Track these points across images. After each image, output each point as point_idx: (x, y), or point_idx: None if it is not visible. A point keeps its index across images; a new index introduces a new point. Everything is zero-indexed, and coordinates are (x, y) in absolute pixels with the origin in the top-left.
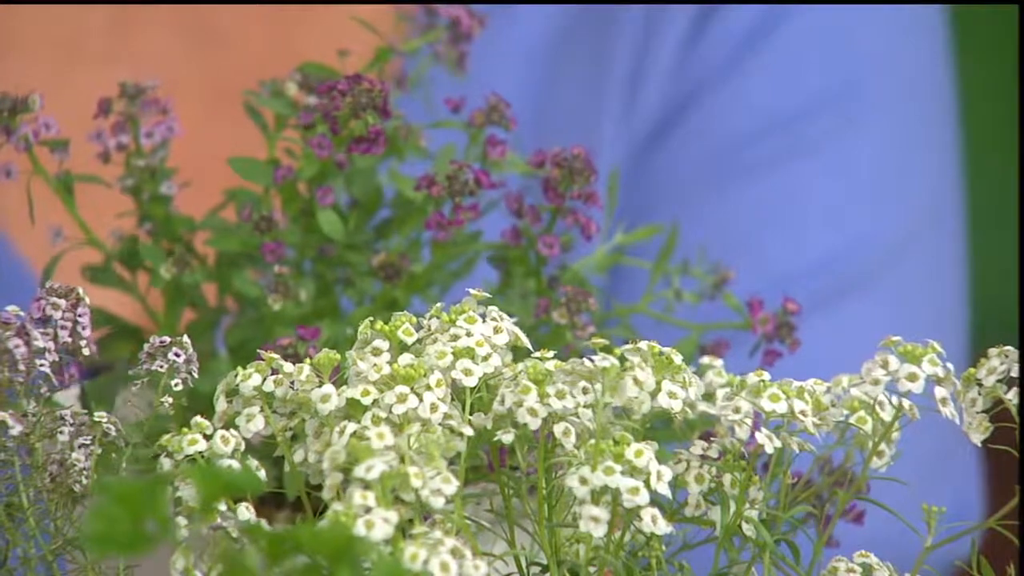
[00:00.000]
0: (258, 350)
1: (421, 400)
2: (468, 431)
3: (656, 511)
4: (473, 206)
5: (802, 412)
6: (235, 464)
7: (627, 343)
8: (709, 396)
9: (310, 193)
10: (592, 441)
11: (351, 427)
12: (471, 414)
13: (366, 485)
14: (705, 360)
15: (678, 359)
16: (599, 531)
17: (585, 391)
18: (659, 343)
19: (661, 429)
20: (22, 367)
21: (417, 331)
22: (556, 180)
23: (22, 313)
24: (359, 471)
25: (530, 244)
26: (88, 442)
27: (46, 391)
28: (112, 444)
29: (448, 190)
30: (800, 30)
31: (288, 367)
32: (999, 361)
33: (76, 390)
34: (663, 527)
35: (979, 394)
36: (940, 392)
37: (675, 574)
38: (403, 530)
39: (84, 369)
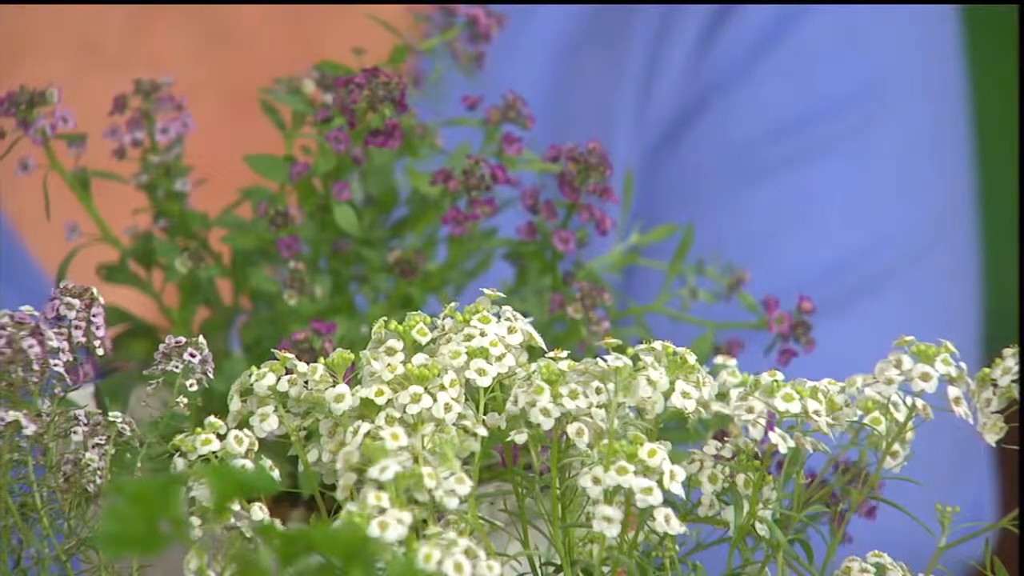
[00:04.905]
0: (273, 349)
1: (435, 400)
2: (482, 431)
3: (669, 511)
4: (489, 201)
5: (815, 412)
6: (249, 464)
7: (642, 342)
8: (723, 396)
9: (326, 189)
10: (605, 441)
11: (365, 427)
12: (485, 414)
13: (380, 486)
14: (719, 360)
15: (692, 359)
16: (612, 531)
17: (598, 391)
18: (674, 342)
19: (675, 429)
20: (36, 367)
21: (431, 331)
22: (571, 175)
23: (36, 313)
24: (373, 472)
25: (545, 240)
26: (102, 442)
27: (60, 391)
28: (126, 444)
29: (464, 184)
30: (814, 32)
31: (302, 367)
32: (1014, 361)
33: (90, 389)
34: (676, 527)
35: (994, 394)
36: (953, 391)
37: (688, 574)
38: (417, 530)
39: (98, 368)
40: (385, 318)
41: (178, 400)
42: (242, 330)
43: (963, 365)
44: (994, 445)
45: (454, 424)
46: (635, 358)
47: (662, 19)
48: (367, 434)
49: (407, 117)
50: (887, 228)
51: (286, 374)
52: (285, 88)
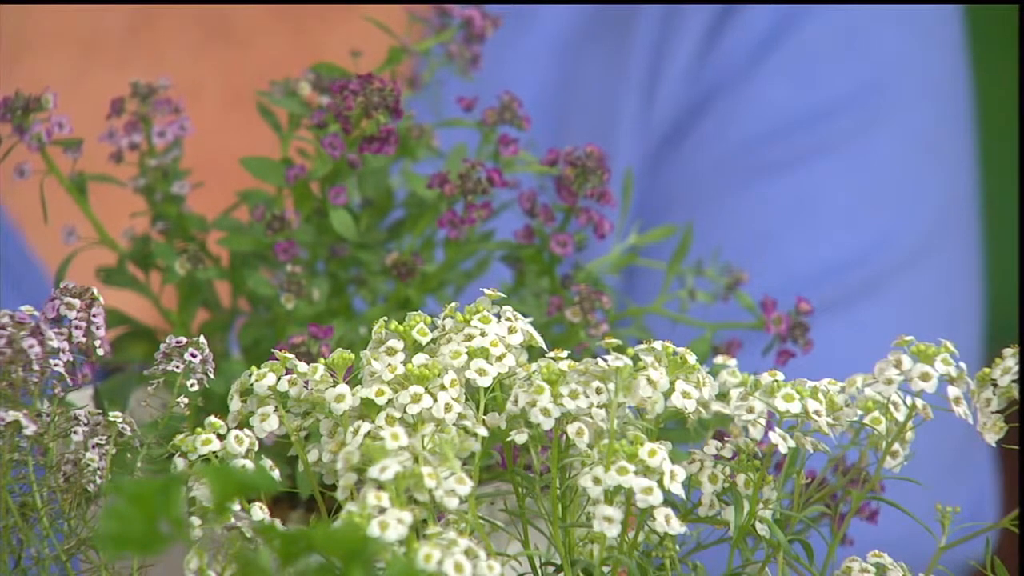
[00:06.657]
0: (272, 350)
1: (435, 400)
2: (482, 431)
3: (670, 511)
4: (486, 204)
5: (816, 412)
6: (249, 464)
7: (641, 343)
8: (723, 396)
9: (323, 193)
10: (605, 441)
11: (365, 427)
12: (485, 414)
13: (380, 486)
14: (719, 360)
15: (692, 359)
16: (613, 531)
17: (599, 391)
18: (673, 343)
19: (675, 429)
20: (36, 367)
21: (431, 331)
22: (569, 179)
23: (36, 313)
24: (373, 472)
25: (543, 243)
26: (102, 442)
27: (60, 391)
28: (126, 444)
29: (461, 188)
30: (817, 31)
31: (302, 367)
32: (1014, 361)
33: (89, 390)
34: (677, 527)
35: (994, 394)
36: (953, 391)
37: (689, 574)
38: (417, 530)
39: (97, 369)
40: (385, 318)
41: (178, 400)
42: (240, 332)
43: (963, 365)
44: (994, 445)
45: (454, 424)
46: (635, 358)
47: (664, 19)
48: (367, 434)
49: (404, 120)
50: (888, 228)
51: (286, 374)
52: (281, 90)
